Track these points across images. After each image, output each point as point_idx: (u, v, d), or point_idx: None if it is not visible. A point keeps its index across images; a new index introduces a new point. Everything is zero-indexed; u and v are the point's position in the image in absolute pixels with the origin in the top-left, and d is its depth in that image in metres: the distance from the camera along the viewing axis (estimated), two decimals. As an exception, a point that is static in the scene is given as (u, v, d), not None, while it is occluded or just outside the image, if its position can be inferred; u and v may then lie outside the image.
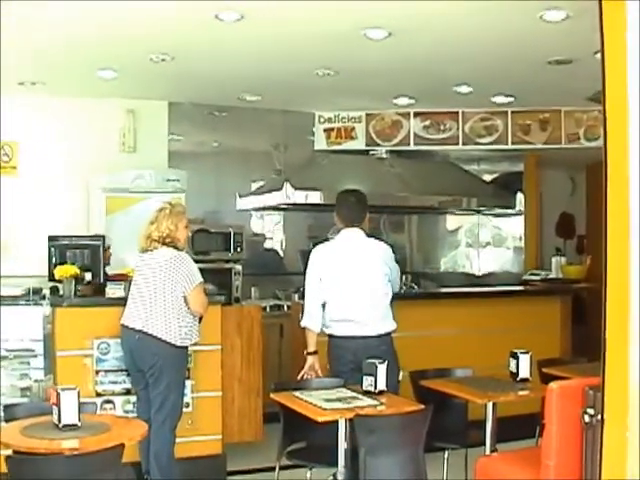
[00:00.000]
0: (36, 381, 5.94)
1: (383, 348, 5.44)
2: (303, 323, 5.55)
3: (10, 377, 5.94)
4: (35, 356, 5.99)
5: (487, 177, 10.09)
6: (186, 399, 5.90)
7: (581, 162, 10.52)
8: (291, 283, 8.89)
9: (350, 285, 5.52)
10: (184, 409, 5.77)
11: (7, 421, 4.32)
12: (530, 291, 8.59)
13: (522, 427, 5.76)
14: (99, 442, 3.79)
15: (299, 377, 5.50)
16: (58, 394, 3.90)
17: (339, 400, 4.70)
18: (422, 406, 4.64)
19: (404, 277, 8.20)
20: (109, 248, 6.54)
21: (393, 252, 5.73)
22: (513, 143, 9.01)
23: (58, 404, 3.90)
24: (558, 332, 8.14)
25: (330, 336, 5.55)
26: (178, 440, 5.64)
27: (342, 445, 4.57)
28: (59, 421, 3.91)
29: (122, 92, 8.02)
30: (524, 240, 9.95)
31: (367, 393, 4.85)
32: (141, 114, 8.42)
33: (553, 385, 4.33)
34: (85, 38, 6.10)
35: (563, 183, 11.43)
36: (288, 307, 8.23)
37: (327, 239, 8.07)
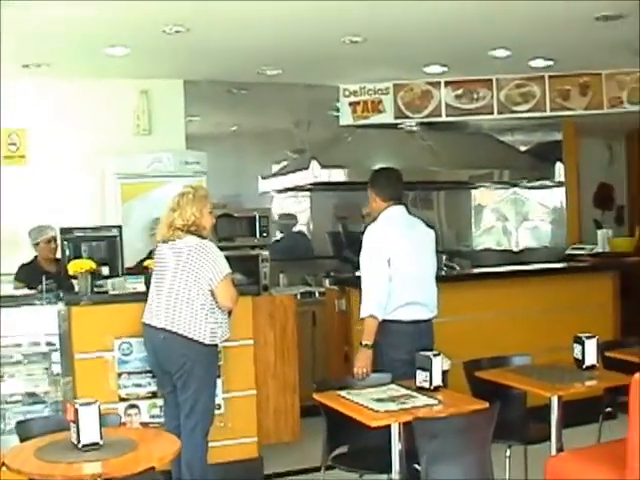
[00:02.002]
0: (53, 386, 5.44)
1: (432, 333, 5.18)
2: (370, 311, 4.96)
3: (25, 383, 5.46)
4: (52, 359, 5.49)
5: (522, 148, 9.53)
6: (217, 400, 5.41)
7: (619, 129, 10.12)
8: (321, 267, 8.51)
9: (415, 266, 5.14)
10: (216, 411, 5.30)
11: (22, 440, 3.82)
12: (579, 267, 8.02)
13: (582, 412, 5.38)
14: (125, 465, 3.30)
15: (356, 373, 4.93)
16: (76, 410, 3.39)
17: (392, 400, 4.21)
18: (486, 404, 4.13)
19: (442, 257, 7.78)
20: (53, 240, 6.07)
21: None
22: (552, 110, 8.51)
23: (76, 421, 3.40)
24: (611, 311, 7.60)
25: (390, 322, 5.02)
26: (210, 444, 5.17)
27: (396, 450, 4.09)
28: (78, 441, 3.41)
29: (134, 71, 7.61)
30: (566, 213, 9.37)
31: (421, 389, 4.38)
32: (155, 94, 8.03)
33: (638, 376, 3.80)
34: (89, 12, 5.63)
35: (600, 152, 10.85)
36: (320, 293, 7.73)
37: (363, 218, 7.73)
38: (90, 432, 3.41)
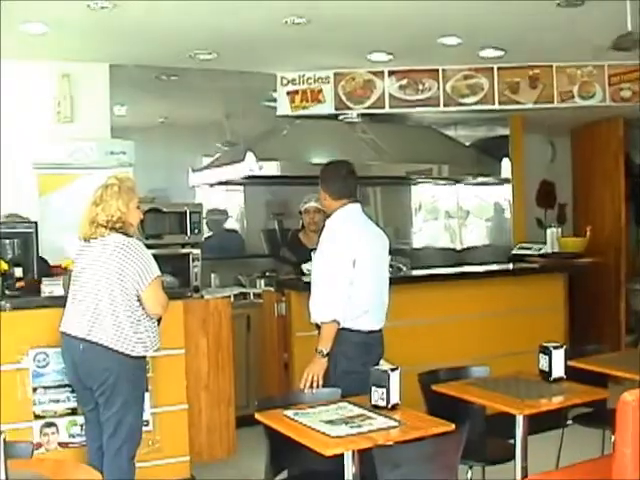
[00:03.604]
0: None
1: (383, 344, 4.82)
2: (333, 316, 4.49)
3: None
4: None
5: (466, 143, 9.15)
6: (145, 416, 4.84)
7: (565, 125, 9.77)
8: (255, 267, 8.01)
9: (375, 271, 4.76)
10: (143, 428, 4.75)
11: None
12: (529, 268, 7.65)
13: (540, 420, 4.78)
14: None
15: (304, 386, 4.44)
16: (-25, 444, 2.82)
17: (345, 422, 3.71)
18: (452, 425, 3.67)
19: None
20: None
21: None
22: (500, 103, 8.09)
23: (-24, 458, 2.83)
24: (562, 314, 7.28)
25: (348, 330, 4.57)
26: (137, 465, 4.64)
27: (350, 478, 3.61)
28: (-23, 482, 2.84)
29: (55, 52, 6.96)
30: (511, 210, 9.01)
31: (377, 408, 3.91)
32: (78, 78, 7.35)
33: (628, 397, 3.37)
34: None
35: (542, 148, 10.53)
36: (255, 295, 7.24)
37: (300, 214, 7.26)
38: (-8, 471, 2.84)
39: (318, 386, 4.42)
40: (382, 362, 4.60)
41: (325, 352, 4.48)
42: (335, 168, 4.91)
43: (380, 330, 4.74)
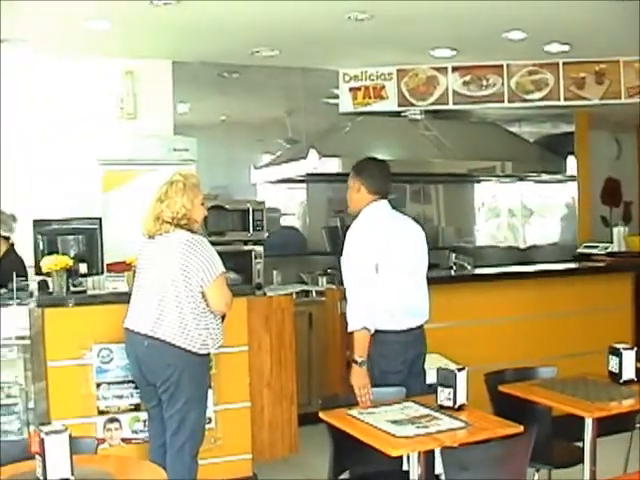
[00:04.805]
0: (24, 396, 4.87)
1: (425, 339, 4.67)
2: (362, 323, 4.34)
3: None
4: (22, 367, 4.91)
5: (530, 140, 9.02)
6: (208, 413, 4.80)
7: (629, 122, 9.54)
8: (316, 264, 7.98)
9: (407, 269, 4.56)
10: (206, 426, 4.71)
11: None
12: (596, 267, 7.49)
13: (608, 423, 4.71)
14: (99, 510, 2.71)
15: (360, 396, 4.22)
16: (42, 440, 2.80)
17: (411, 422, 3.64)
18: (520, 427, 3.58)
19: (452, 255, 7.29)
20: None
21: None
22: (566, 99, 7.93)
23: (43, 453, 2.82)
24: (629, 314, 7.10)
25: (382, 332, 4.42)
26: (199, 463, 4.58)
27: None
28: (44, 476, 2.82)
29: (118, 49, 7.02)
30: (577, 209, 8.85)
31: (443, 408, 3.84)
32: (142, 75, 7.41)
33: None
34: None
35: (608, 145, 10.34)
36: (317, 293, 7.19)
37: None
38: (59, 466, 2.82)
39: (368, 395, 4.24)
40: (444, 362, 4.52)
41: (360, 360, 4.33)
42: (378, 164, 4.81)
43: (419, 327, 4.59)
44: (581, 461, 4.11)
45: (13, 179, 6.85)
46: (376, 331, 4.39)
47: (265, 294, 6.07)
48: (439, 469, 3.65)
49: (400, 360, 4.44)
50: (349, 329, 4.41)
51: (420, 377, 4.57)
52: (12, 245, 6.26)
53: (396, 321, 4.45)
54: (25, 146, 6.97)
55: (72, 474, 2.86)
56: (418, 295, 4.63)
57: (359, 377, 4.28)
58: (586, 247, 8.33)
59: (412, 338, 4.52)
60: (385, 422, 3.65)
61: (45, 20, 5.96)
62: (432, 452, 3.46)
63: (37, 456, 2.86)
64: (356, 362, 4.33)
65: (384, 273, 4.42)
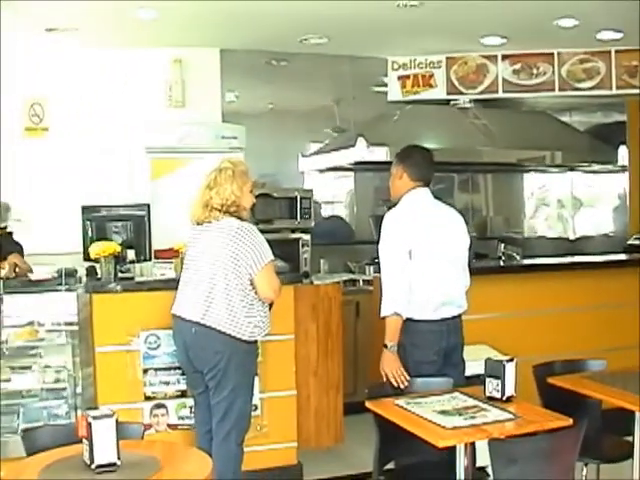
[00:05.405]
0: (72, 381, 4.92)
1: (461, 329, 4.62)
2: (394, 309, 4.33)
3: (42, 377, 4.95)
4: (71, 352, 4.96)
5: (581, 129, 8.90)
6: (254, 400, 4.80)
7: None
8: (363, 253, 7.90)
9: (443, 258, 4.52)
10: (252, 413, 4.71)
11: (28, 452, 3.26)
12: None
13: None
14: (145, 495, 2.72)
15: (392, 379, 4.29)
16: (89, 425, 2.82)
17: (458, 413, 3.60)
18: (569, 420, 3.52)
19: (500, 245, 7.21)
20: None
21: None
22: (618, 87, 7.83)
23: (90, 438, 2.83)
24: (682, 308, 6.98)
25: (415, 321, 4.42)
26: (245, 450, 4.59)
27: (461, 470, 3.53)
28: (91, 460, 2.84)
29: (166, 38, 7.04)
30: (629, 199, 8.73)
31: (491, 400, 3.79)
32: (190, 64, 7.45)
33: None
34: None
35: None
36: (364, 282, 7.16)
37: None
38: (105, 451, 2.84)
39: (406, 379, 4.27)
40: (492, 353, 4.46)
41: (390, 345, 4.33)
42: (422, 151, 4.74)
43: (454, 317, 4.53)
44: (631, 456, 4.05)
45: (63, 166, 6.95)
46: (409, 320, 4.38)
47: (312, 283, 6.07)
48: (480, 461, 3.64)
49: (434, 350, 4.41)
50: (381, 314, 4.40)
51: (457, 368, 4.53)
52: (9, 233, 6.21)
53: (429, 310, 4.42)
54: (75, 134, 7.05)
55: (118, 459, 2.88)
56: (455, 286, 4.58)
57: (390, 362, 4.31)
58: (637, 239, 8.20)
59: (446, 328, 4.48)
60: (432, 412, 3.62)
61: (94, 9, 5.98)
62: (473, 444, 3.44)
63: (84, 440, 2.88)
64: (386, 347, 4.35)
65: (418, 260, 4.39)
